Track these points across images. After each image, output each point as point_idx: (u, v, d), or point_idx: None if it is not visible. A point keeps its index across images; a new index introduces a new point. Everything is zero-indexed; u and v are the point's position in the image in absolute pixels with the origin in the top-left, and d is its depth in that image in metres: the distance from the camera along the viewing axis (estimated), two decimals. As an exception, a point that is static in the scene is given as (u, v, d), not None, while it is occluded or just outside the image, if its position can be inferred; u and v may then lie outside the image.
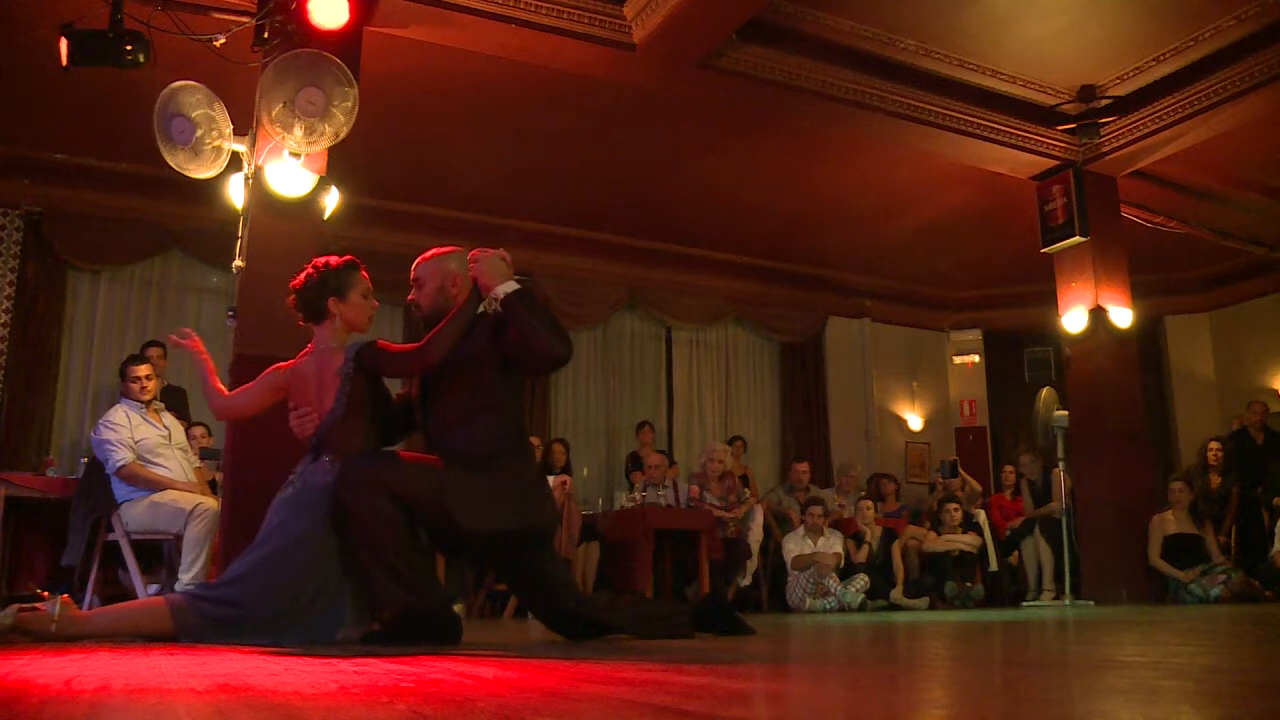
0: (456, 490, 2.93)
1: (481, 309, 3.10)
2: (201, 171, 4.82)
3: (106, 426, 5.19)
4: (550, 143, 7.42)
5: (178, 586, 4.98)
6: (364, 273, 3.30)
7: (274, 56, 4.85)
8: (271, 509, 3.13)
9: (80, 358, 7.56)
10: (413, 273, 3.25)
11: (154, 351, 6.64)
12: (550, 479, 6.61)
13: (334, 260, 3.27)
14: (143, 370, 5.39)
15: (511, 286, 3.01)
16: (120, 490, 5.15)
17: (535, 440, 7.76)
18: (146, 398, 5.37)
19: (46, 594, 2.92)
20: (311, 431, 3.14)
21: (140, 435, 5.23)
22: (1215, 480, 8.15)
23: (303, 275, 3.27)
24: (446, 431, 3.08)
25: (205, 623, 2.93)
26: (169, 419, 5.51)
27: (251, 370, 4.70)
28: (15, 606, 2.89)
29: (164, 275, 7.95)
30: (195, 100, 4.63)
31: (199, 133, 4.67)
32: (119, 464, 5.10)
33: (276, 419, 4.63)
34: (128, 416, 5.27)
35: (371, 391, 3.14)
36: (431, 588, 3.00)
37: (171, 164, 4.75)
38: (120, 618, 3.02)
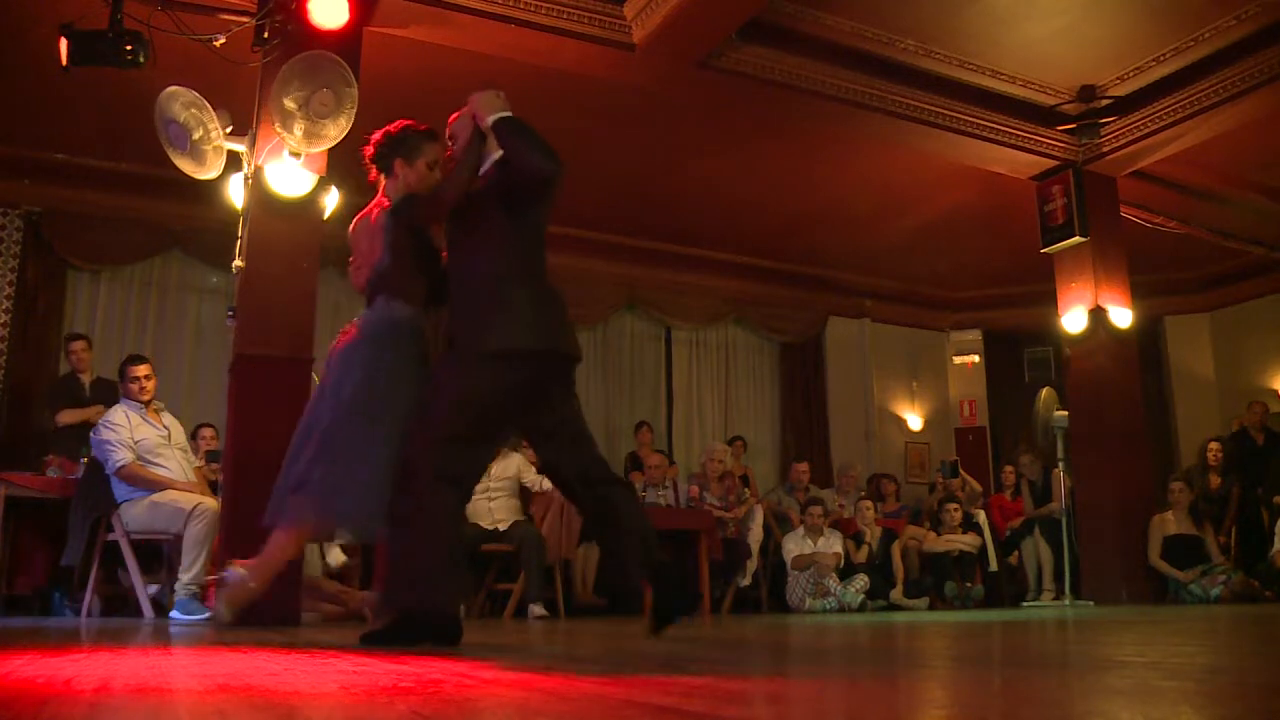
0: (468, 323, 2.95)
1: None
2: (205, 172, 4.85)
3: (106, 426, 5.20)
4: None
5: (177, 587, 4.99)
6: (440, 147, 3.32)
7: (274, 56, 4.85)
8: (328, 366, 3.18)
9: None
10: (447, 130, 3.28)
11: (79, 345, 6.62)
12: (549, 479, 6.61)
13: (417, 125, 3.33)
14: (142, 370, 5.40)
15: (500, 115, 3.03)
16: (120, 490, 5.15)
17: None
18: (146, 398, 5.38)
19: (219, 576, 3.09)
20: (364, 281, 3.23)
21: (140, 435, 5.23)
22: (1215, 481, 8.15)
23: (383, 130, 3.33)
24: (460, 264, 3.10)
25: (309, 487, 2.98)
26: (169, 419, 5.52)
27: (251, 370, 4.73)
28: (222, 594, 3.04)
29: (164, 275, 7.95)
30: (183, 102, 4.65)
31: (196, 135, 4.70)
32: (119, 464, 5.10)
33: (276, 419, 4.64)
34: (127, 416, 5.28)
35: (416, 244, 3.22)
36: (440, 589, 2.93)
37: (180, 168, 4.81)
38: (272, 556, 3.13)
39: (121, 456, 5.12)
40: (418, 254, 3.22)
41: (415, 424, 2.95)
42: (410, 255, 3.19)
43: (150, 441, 5.26)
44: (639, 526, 3.12)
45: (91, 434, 5.34)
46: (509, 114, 3.06)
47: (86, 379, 6.53)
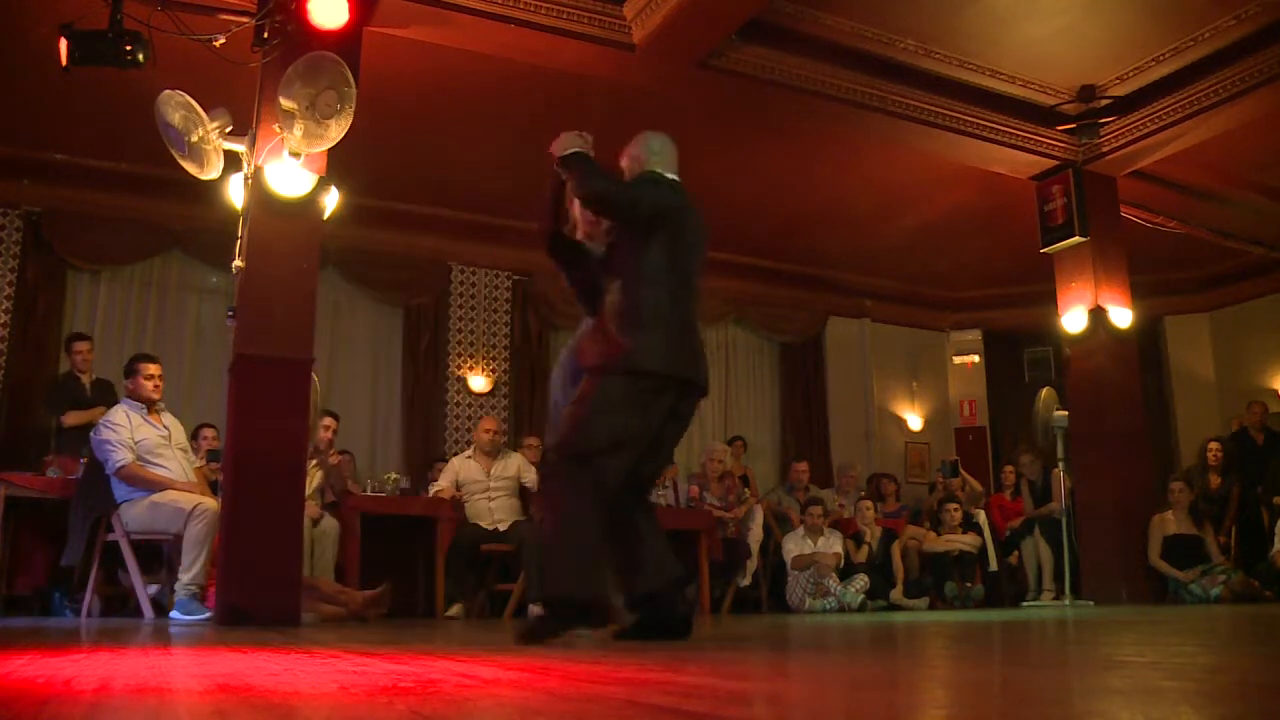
0: (600, 345, 3.18)
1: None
2: (209, 172, 4.87)
3: (107, 426, 5.20)
4: (550, 143, 7.39)
5: (177, 587, 4.99)
6: None
7: (274, 56, 4.85)
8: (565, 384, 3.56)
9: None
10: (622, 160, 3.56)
11: (84, 345, 6.64)
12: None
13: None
14: (155, 369, 5.42)
15: (565, 151, 3.31)
16: (120, 490, 5.15)
17: (535, 440, 7.77)
18: (157, 396, 5.40)
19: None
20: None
21: (140, 435, 5.23)
22: (1215, 481, 8.15)
23: None
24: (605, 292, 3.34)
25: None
26: (169, 419, 5.52)
27: (251, 370, 4.73)
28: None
29: (164, 275, 7.95)
30: (174, 104, 4.67)
31: (192, 137, 4.71)
32: (119, 464, 5.10)
33: (276, 419, 4.65)
34: (128, 417, 5.28)
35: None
36: (590, 578, 3.11)
37: (186, 168, 4.84)
38: None
39: (121, 457, 5.12)
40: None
41: (560, 437, 3.17)
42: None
43: (150, 442, 5.26)
44: (658, 548, 3.30)
45: (92, 434, 5.34)
46: (575, 149, 3.31)
47: (87, 379, 6.54)
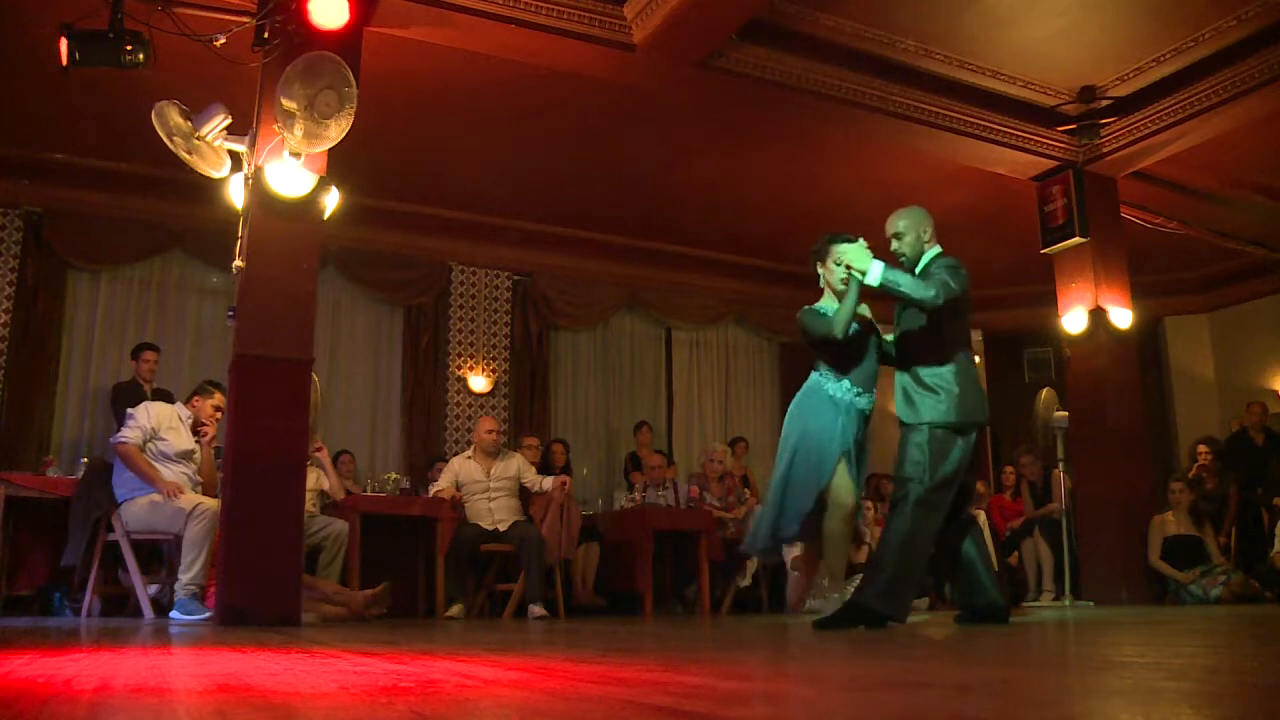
0: (931, 400, 4.13)
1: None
2: (217, 169, 4.89)
3: (147, 409, 5.28)
4: (550, 143, 7.41)
5: (177, 587, 5.00)
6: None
7: (274, 56, 4.85)
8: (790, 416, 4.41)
9: (80, 358, 7.56)
10: (891, 227, 4.46)
11: (152, 355, 6.68)
12: (549, 479, 6.62)
13: (833, 234, 4.42)
14: (223, 401, 5.50)
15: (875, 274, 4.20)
16: (120, 490, 5.16)
17: (534, 440, 7.78)
18: (210, 424, 5.47)
19: None
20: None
21: (171, 438, 5.29)
22: (1211, 481, 8.14)
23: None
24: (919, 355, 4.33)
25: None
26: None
27: (251, 370, 4.73)
28: None
29: (164, 275, 7.96)
30: (156, 116, 4.69)
31: (191, 141, 4.72)
32: (123, 440, 5.15)
33: (276, 419, 4.65)
34: (178, 419, 5.36)
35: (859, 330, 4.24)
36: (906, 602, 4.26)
37: (201, 170, 4.90)
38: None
39: (130, 436, 5.16)
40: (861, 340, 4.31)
41: (899, 473, 4.16)
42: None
43: (174, 449, 5.30)
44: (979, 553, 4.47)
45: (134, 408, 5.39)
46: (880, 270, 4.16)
47: (149, 389, 6.57)
